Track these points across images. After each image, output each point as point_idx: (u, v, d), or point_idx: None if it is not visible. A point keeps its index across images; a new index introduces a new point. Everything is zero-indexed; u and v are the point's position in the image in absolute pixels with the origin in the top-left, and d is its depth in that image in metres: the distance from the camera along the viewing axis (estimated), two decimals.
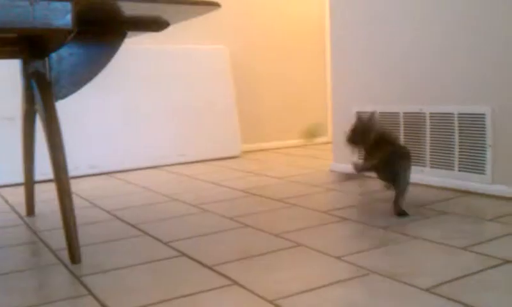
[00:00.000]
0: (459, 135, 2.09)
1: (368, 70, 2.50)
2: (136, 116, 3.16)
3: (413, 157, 2.25)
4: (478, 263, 1.29)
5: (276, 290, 1.18)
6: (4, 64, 2.60)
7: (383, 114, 2.42)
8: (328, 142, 3.87)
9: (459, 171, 2.10)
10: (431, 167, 2.21)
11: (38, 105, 1.60)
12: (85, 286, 1.26)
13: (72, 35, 1.38)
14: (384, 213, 1.82)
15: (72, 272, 1.37)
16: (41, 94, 1.56)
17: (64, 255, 1.49)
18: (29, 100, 1.79)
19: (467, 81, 2.06)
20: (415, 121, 2.28)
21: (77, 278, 1.33)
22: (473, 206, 1.85)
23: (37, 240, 1.71)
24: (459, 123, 2.09)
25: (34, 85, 1.62)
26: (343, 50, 2.65)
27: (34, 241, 1.71)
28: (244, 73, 3.64)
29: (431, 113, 2.20)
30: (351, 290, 1.17)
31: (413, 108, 2.28)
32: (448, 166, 2.14)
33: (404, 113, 2.32)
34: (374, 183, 2.34)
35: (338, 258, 1.38)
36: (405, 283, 1.18)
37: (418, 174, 2.26)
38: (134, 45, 3.14)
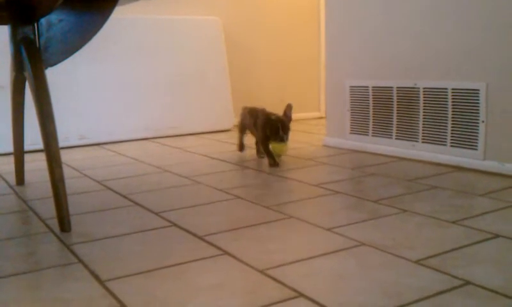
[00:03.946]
0: (452, 111, 2.09)
1: (363, 44, 2.48)
2: (126, 86, 3.13)
3: (405, 132, 2.26)
4: (468, 236, 1.30)
5: (266, 260, 1.18)
6: None
7: (376, 88, 2.41)
8: (321, 117, 3.86)
9: (451, 146, 2.10)
10: (423, 142, 2.21)
11: (27, 72, 1.57)
12: (75, 254, 1.26)
13: (62, 0, 1.35)
14: (376, 186, 1.82)
15: (61, 241, 1.36)
16: (31, 61, 1.54)
17: (54, 224, 1.48)
18: (18, 67, 1.76)
19: (462, 56, 2.05)
20: (408, 95, 2.27)
21: (67, 246, 1.32)
22: (465, 182, 1.85)
23: (27, 209, 1.69)
24: (453, 99, 2.08)
25: (23, 51, 1.59)
26: (337, 24, 2.62)
27: (24, 209, 1.69)
28: (237, 46, 3.61)
29: (424, 88, 2.19)
30: (341, 261, 1.17)
31: (407, 83, 2.26)
32: (441, 141, 2.14)
33: (398, 88, 2.31)
34: (366, 158, 2.34)
35: (329, 229, 1.38)
36: (395, 255, 1.19)
37: (410, 149, 2.26)
38: (126, 14, 3.09)
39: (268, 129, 2.22)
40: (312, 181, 1.93)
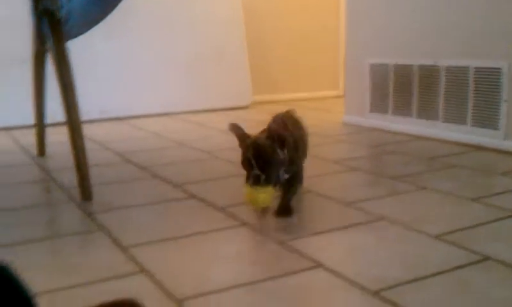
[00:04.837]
0: (474, 90, 2.06)
1: (383, 21, 2.45)
2: (146, 61, 3.13)
3: (426, 111, 2.23)
4: (488, 214, 1.29)
5: (285, 232, 1.19)
6: (15, 4, 2.57)
7: (397, 66, 2.39)
8: (339, 96, 3.84)
9: (472, 126, 2.08)
10: (444, 121, 2.19)
11: (49, 44, 1.58)
12: (96, 223, 1.28)
13: None
14: (395, 164, 1.81)
15: (83, 209, 1.38)
16: (52, 32, 1.55)
17: (76, 193, 1.50)
18: (39, 39, 1.78)
19: (484, 35, 2.01)
20: (429, 74, 2.24)
21: (88, 215, 1.34)
22: (485, 161, 1.84)
23: (48, 179, 1.72)
24: (475, 77, 2.05)
25: (45, 23, 1.60)
26: (358, 1, 2.59)
27: (46, 179, 1.72)
28: (256, 21, 3.58)
29: (446, 67, 2.16)
30: (360, 235, 1.17)
31: (428, 61, 2.24)
32: (461, 121, 2.12)
33: (419, 66, 2.28)
34: (385, 136, 2.32)
35: (348, 204, 1.38)
36: (414, 230, 1.18)
37: (430, 128, 2.24)
38: None
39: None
40: (330, 158, 1.93)
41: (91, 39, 2.81)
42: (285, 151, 1.23)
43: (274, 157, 1.21)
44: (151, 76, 3.15)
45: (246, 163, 1.22)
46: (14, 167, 1.90)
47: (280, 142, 1.23)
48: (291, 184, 1.31)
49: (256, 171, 1.19)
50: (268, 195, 1.22)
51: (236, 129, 1.31)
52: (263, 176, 1.19)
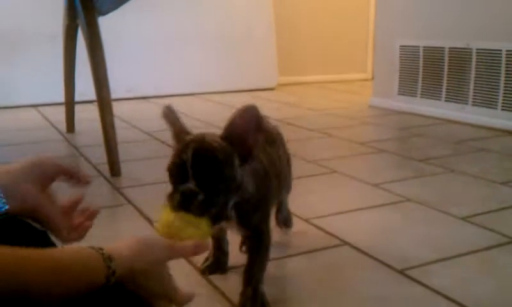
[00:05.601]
0: (506, 73, 2.02)
1: (414, 2, 2.41)
2: (173, 42, 3.14)
3: (455, 94, 2.20)
4: None
5: (311, 210, 1.19)
6: None
7: (427, 48, 2.35)
8: (366, 79, 3.80)
9: (503, 110, 2.04)
10: (473, 104, 2.15)
11: (80, 20, 1.60)
12: (124, 197, 1.30)
13: None
14: (422, 147, 1.80)
15: (111, 184, 1.41)
16: (84, 8, 1.56)
17: (105, 169, 1.52)
18: (71, 15, 1.80)
19: None
20: (460, 57, 2.20)
21: (117, 189, 1.36)
22: None
23: (77, 155, 1.75)
24: (507, 61, 2.01)
25: None
26: None
27: (75, 155, 1.75)
28: (284, 2, 3.56)
29: (477, 49, 2.12)
30: (387, 215, 1.17)
31: (460, 43, 2.20)
32: (492, 105, 2.08)
33: (450, 48, 2.24)
34: (413, 119, 2.30)
35: (374, 185, 1.37)
36: (441, 211, 1.18)
37: (459, 112, 2.21)
38: None
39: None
40: (357, 139, 1.92)
41: (119, 18, 2.83)
42: (246, 169, 0.74)
43: (227, 169, 0.71)
44: (177, 56, 3.16)
45: (175, 170, 0.73)
46: (44, 143, 1.94)
47: (244, 149, 0.74)
48: (256, 250, 0.81)
49: (191, 185, 0.69)
50: (201, 232, 0.67)
51: (172, 117, 0.81)
52: (200, 196, 0.68)
